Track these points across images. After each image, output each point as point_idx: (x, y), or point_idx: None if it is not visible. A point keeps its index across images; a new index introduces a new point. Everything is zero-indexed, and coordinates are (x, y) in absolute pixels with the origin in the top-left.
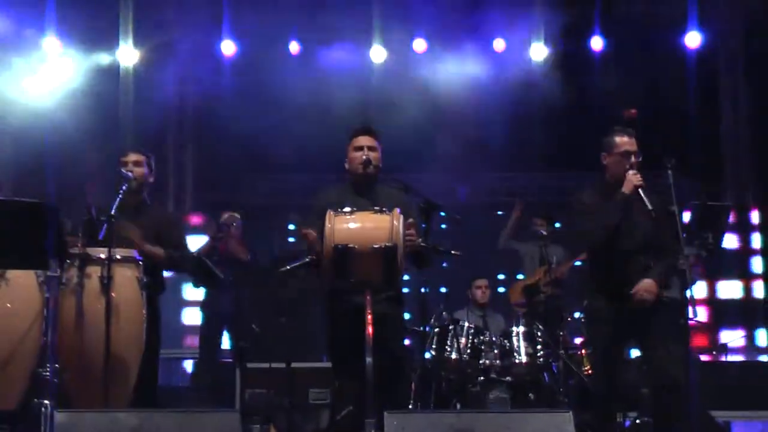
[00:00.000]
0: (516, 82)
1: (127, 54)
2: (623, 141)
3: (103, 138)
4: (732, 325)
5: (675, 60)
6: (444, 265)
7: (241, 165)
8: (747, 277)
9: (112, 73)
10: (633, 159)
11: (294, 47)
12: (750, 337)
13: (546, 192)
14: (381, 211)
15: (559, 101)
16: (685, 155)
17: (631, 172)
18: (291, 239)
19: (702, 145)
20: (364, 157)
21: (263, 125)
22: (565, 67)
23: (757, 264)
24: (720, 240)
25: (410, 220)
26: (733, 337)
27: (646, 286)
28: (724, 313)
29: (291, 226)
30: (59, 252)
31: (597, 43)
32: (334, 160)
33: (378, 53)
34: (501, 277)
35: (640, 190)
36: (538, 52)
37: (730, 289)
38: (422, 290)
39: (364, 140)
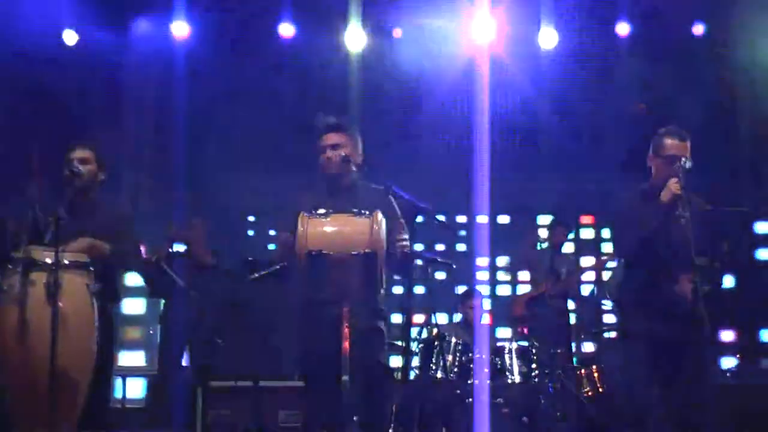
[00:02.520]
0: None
1: (70, 37)
2: (672, 144)
3: (48, 129)
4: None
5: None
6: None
7: (207, 160)
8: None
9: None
10: (679, 164)
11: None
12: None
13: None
14: (360, 214)
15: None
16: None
17: (672, 179)
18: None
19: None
20: (329, 157)
21: (228, 115)
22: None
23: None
24: (740, 251)
25: (401, 220)
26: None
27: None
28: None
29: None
30: None
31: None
32: (309, 157)
33: (355, 39)
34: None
35: (680, 201)
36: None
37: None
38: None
39: (330, 138)
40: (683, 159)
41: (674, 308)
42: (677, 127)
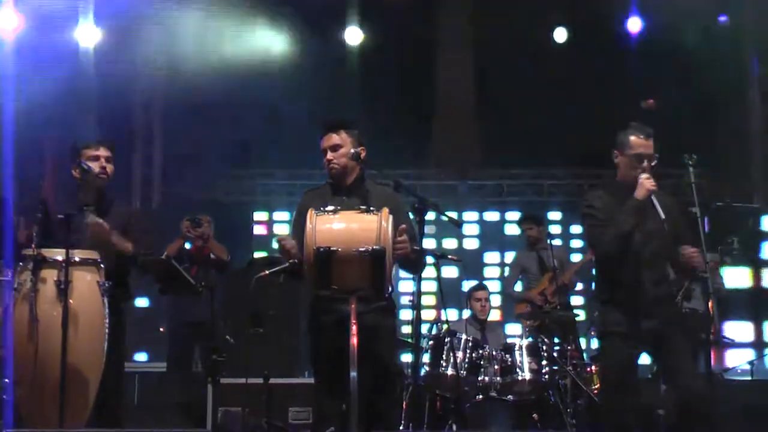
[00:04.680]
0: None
1: (88, 34)
2: (638, 142)
3: (61, 127)
4: (739, 317)
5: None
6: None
7: (214, 158)
8: (756, 264)
9: (71, 54)
10: (646, 163)
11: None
12: (759, 331)
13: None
14: (368, 211)
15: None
16: (712, 151)
17: (643, 175)
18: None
19: (731, 141)
20: (329, 159)
21: (238, 116)
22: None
23: None
24: (748, 245)
25: (402, 226)
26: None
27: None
28: (730, 304)
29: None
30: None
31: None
32: (314, 155)
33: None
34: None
35: (653, 196)
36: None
37: (737, 277)
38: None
39: (329, 139)
40: (651, 157)
41: (654, 304)
42: (641, 124)
